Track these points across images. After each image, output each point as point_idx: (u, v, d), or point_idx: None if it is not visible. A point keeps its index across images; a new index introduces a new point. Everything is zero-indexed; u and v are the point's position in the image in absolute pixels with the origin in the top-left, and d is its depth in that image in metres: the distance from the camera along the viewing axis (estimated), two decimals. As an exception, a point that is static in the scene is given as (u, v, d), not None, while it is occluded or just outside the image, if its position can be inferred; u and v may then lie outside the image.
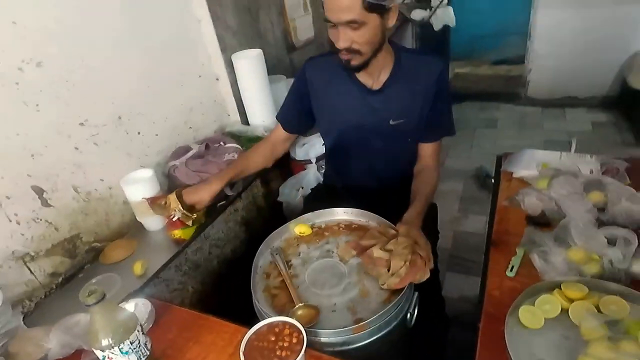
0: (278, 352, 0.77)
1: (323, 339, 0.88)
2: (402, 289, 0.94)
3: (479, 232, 2.42)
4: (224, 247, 1.59)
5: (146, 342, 0.74)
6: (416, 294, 1.00)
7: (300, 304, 0.94)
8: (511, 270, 0.94)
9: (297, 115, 1.37)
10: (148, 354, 0.74)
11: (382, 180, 1.35)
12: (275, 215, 1.92)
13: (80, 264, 1.24)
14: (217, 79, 1.82)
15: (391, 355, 0.98)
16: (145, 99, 1.45)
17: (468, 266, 2.17)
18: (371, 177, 1.36)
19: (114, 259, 1.24)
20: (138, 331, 0.72)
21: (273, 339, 0.80)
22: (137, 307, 0.98)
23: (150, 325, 0.96)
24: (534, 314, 0.80)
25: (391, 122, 1.23)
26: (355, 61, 1.10)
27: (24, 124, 1.08)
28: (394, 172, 1.34)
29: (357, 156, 1.34)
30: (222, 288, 1.49)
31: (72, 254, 1.22)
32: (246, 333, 0.82)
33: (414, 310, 0.97)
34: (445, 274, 2.12)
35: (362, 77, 1.21)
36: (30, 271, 1.11)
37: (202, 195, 1.25)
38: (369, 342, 0.89)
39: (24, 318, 1.03)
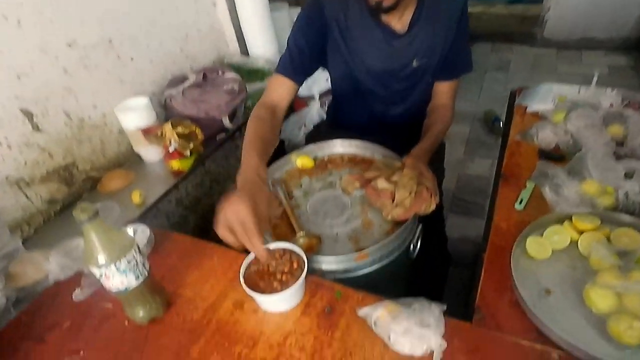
0: (278, 277, 0.76)
1: (324, 266, 0.87)
2: (406, 220, 0.91)
3: (484, 175, 2.38)
4: (225, 183, 1.56)
5: (144, 262, 0.73)
6: (420, 225, 0.98)
7: (302, 233, 0.93)
8: (520, 203, 0.91)
9: (308, 60, 1.13)
10: (146, 274, 0.73)
11: (395, 123, 1.28)
12: (277, 153, 1.87)
13: (78, 193, 1.22)
14: (214, 4, 1.69)
15: (392, 284, 0.98)
16: (136, 21, 1.35)
17: (470, 208, 2.16)
18: (384, 120, 1.28)
19: (112, 189, 1.22)
20: (135, 250, 0.70)
21: (274, 263, 0.79)
22: (136, 233, 0.96)
23: (149, 251, 0.95)
24: (541, 244, 0.78)
25: (414, 64, 1.14)
26: (388, 1, 0.98)
27: (5, 40, 1.00)
28: (408, 115, 1.26)
29: (372, 100, 1.25)
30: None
31: (68, 182, 1.19)
32: (246, 257, 0.81)
33: (417, 242, 0.95)
34: (447, 215, 2.11)
35: (387, 18, 1.09)
36: (27, 197, 1.09)
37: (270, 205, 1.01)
38: (370, 271, 0.88)
39: (23, 242, 1.03)
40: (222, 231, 0.76)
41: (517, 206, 0.91)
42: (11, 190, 1.05)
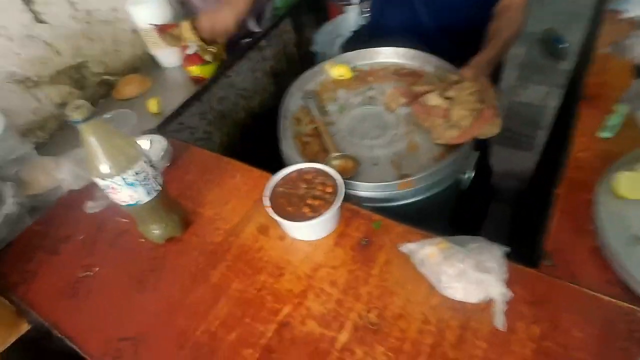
0: (309, 202, 0.65)
1: (361, 193, 0.75)
2: (461, 145, 0.77)
3: (537, 104, 2.13)
4: (251, 99, 1.42)
5: (156, 176, 0.63)
6: (477, 153, 0.83)
7: (337, 154, 0.80)
8: (606, 130, 0.74)
9: None
10: (159, 189, 0.64)
11: (452, 26, 1.06)
12: (308, 67, 1.69)
13: (92, 98, 1.11)
14: None
15: (434, 218, 0.86)
16: None
17: (518, 140, 1.96)
18: (438, 24, 1.06)
19: (128, 95, 1.11)
20: (145, 162, 0.60)
21: (304, 186, 0.68)
22: (152, 144, 0.86)
23: (168, 164, 0.86)
24: (636, 181, 0.62)
25: None
26: None
27: None
28: (468, 17, 1.03)
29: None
30: (249, 140, 1.37)
31: (81, 85, 1.08)
32: (272, 177, 0.70)
33: (471, 171, 0.81)
34: (492, 146, 1.93)
35: None
36: (36, 99, 0.99)
37: (226, 18, 1.02)
38: (412, 202, 0.77)
39: (37, 148, 0.95)
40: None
41: (602, 134, 0.74)
42: (18, 89, 0.95)
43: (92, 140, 0.54)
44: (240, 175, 0.81)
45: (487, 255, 0.56)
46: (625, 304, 0.53)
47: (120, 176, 0.57)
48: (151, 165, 0.62)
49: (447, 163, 0.74)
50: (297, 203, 0.65)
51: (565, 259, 0.59)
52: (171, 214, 0.69)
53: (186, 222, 0.74)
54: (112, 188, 0.59)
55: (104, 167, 0.56)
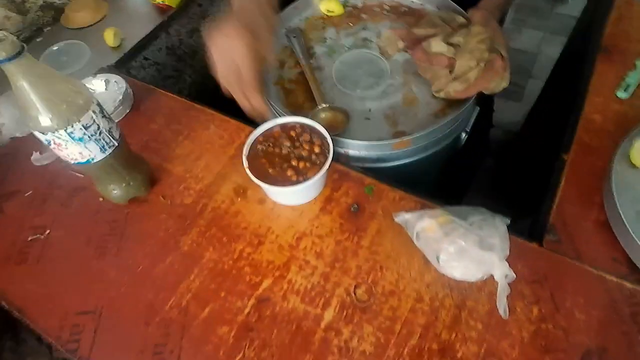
0: (293, 163, 0.57)
1: (352, 152, 0.67)
2: (466, 99, 0.68)
3: (530, 51, 2.03)
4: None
5: (111, 128, 0.53)
6: (477, 109, 0.75)
7: (324, 105, 0.70)
8: (625, 90, 0.67)
9: None
10: (116, 144, 0.54)
11: None
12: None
13: (36, 24, 0.95)
14: None
15: (426, 177, 0.80)
16: None
17: (510, 90, 1.88)
18: None
19: (79, 23, 0.94)
20: (96, 112, 0.49)
21: (288, 144, 0.59)
22: (109, 86, 0.74)
23: (128, 111, 0.74)
24: (654, 151, 0.57)
25: None
26: None
27: None
28: None
29: None
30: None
31: (21, 10, 0.91)
32: (252, 133, 0.60)
33: (471, 129, 0.74)
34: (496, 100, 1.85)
35: None
36: (-36, 24, 0.82)
37: None
38: (407, 162, 0.69)
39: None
40: (222, 78, 0.61)
41: (620, 94, 0.67)
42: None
43: (22, 85, 0.43)
44: (214, 126, 0.71)
45: (490, 230, 0.50)
46: (631, 286, 0.50)
47: (64, 130, 0.47)
48: (104, 117, 0.52)
49: (448, 120, 0.66)
50: (279, 164, 0.57)
51: (569, 233, 0.55)
52: (133, 172, 0.60)
53: (151, 179, 0.64)
54: (57, 144, 0.49)
55: (43, 119, 0.46)
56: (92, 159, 0.52)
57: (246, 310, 0.52)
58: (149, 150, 0.69)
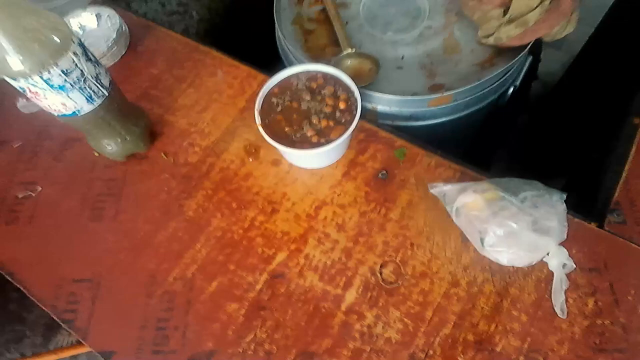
0: (315, 121, 0.49)
1: (380, 108, 0.58)
2: (520, 48, 0.57)
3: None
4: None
5: (99, 75, 0.44)
6: (530, 59, 0.64)
7: (350, 51, 0.60)
8: None
9: None
10: (105, 94, 0.45)
11: None
12: None
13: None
14: None
15: (461, 138, 0.71)
16: None
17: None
18: None
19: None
20: (77, 54, 0.41)
21: (308, 98, 0.50)
22: (101, 22, 0.64)
23: (124, 52, 0.65)
24: None
25: None
26: None
27: None
28: None
29: None
30: (236, 20, 1.12)
31: None
32: (266, 82, 0.51)
33: (519, 82, 0.64)
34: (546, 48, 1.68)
35: None
36: None
37: None
38: (442, 121, 0.60)
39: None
40: None
41: None
42: None
43: (-20, 16, 0.34)
44: (222, 72, 0.62)
45: (546, 210, 0.42)
46: None
47: (38, 76, 0.39)
48: (90, 60, 0.43)
49: (496, 73, 0.56)
50: (298, 122, 0.49)
51: (637, 213, 0.47)
52: (129, 125, 0.52)
53: (151, 133, 0.57)
54: (34, 93, 0.41)
55: (13, 61, 0.37)
56: (79, 111, 0.44)
57: (258, 287, 0.47)
58: (148, 99, 0.60)
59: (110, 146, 0.52)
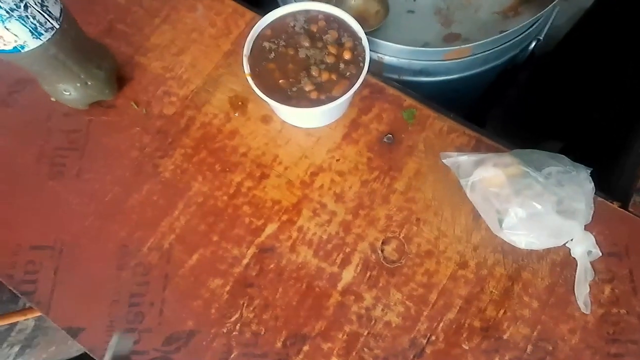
0: (314, 73, 0.41)
1: (387, 59, 0.50)
2: (553, -5, 0.50)
3: None
4: None
5: (45, 1, 0.35)
6: (557, 9, 0.57)
7: (356, -13, 0.51)
8: None
9: None
10: (56, 26, 0.36)
11: None
12: None
13: None
14: None
15: (471, 96, 0.65)
16: None
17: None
18: None
19: None
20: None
21: (307, 44, 0.42)
22: None
23: (83, -26, 0.54)
24: None
25: None
26: None
27: None
28: None
29: None
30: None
31: None
32: (257, 22, 0.43)
33: (542, 34, 0.56)
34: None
35: None
36: None
37: None
38: (455, 78, 0.53)
39: None
40: None
41: None
42: None
43: None
44: (203, 6, 0.52)
45: (573, 189, 0.37)
46: None
47: (-41, -2, 0.29)
48: (31, -20, 0.33)
49: (523, 24, 0.49)
50: (294, 73, 0.41)
51: (663, 194, 0.43)
52: (90, 67, 0.43)
53: (119, 78, 0.48)
54: (-42, 21, 0.31)
55: None
56: (22, 47, 0.35)
57: (244, 261, 0.42)
58: (115, 35, 0.51)
59: (69, 92, 0.43)
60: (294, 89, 0.40)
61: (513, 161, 0.38)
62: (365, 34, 0.44)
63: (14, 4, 0.32)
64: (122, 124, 0.47)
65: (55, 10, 0.36)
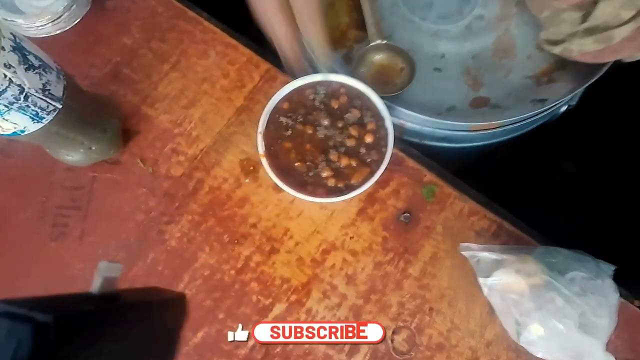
0: (333, 158, 0.38)
1: (409, 125, 0.47)
2: (594, 67, 0.46)
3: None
4: None
5: (47, 84, 0.32)
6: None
7: (380, 42, 0.48)
8: None
9: None
10: (58, 107, 0.33)
11: None
12: None
13: None
14: None
15: (489, 164, 0.62)
16: None
17: None
18: None
19: None
20: (8, 66, 0.28)
21: (326, 123, 0.39)
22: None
23: (85, 12, 0.50)
24: None
25: None
26: None
27: None
28: None
29: None
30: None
31: None
32: (274, 94, 0.40)
33: (578, 103, 0.53)
34: None
35: None
36: None
37: None
38: (480, 145, 0.50)
39: None
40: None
41: None
42: None
43: None
44: (215, 53, 0.49)
45: (597, 300, 0.36)
46: None
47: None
48: (31, 67, 0.30)
49: (559, 96, 0.46)
50: (312, 155, 0.38)
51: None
52: (94, 133, 0.40)
53: (124, 131, 0.46)
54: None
55: None
56: (22, 131, 0.33)
57: (250, 343, 0.41)
58: (120, 80, 0.48)
59: (71, 156, 0.41)
60: (311, 173, 0.38)
61: (536, 269, 0.36)
62: (389, 97, 0.41)
63: (13, 98, 0.29)
64: (127, 183, 0.45)
65: (58, 91, 0.33)
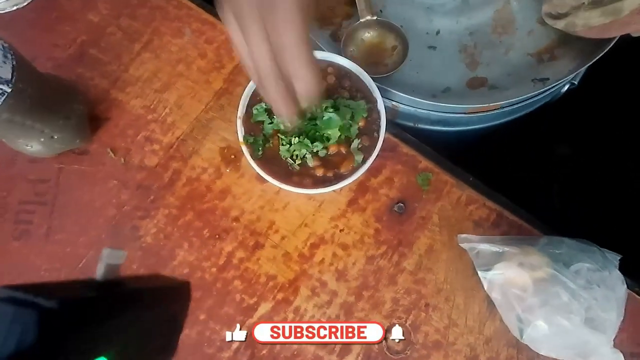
0: (318, 146, 0.35)
1: (403, 107, 0.44)
2: (599, 42, 0.43)
3: None
4: None
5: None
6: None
7: (370, 18, 0.44)
8: None
9: None
10: (7, 90, 0.30)
11: None
12: None
13: None
14: None
15: (487, 147, 0.58)
16: None
17: None
18: None
19: None
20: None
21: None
22: None
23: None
24: None
25: None
26: None
27: None
28: None
29: None
30: None
31: None
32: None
33: (580, 82, 0.50)
34: None
35: None
36: None
37: None
38: (480, 128, 0.47)
39: None
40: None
41: None
42: None
43: None
44: (191, 31, 0.45)
45: (603, 294, 0.34)
46: None
47: None
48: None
49: (560, 76, 0.42)
50: (298, 143, 0.35)
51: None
52: (56, 120, 0.36)
53: (92, 117, 0.42)
54: None
55: None
56: (-34, 119, 0.29)
57: (234, 346, 0.38)
58: (87, 61, 0.44)
59: (31, 146, 0.37)
60: (298, 162, 0.35)
61: (541, 262, 0.34)
62: (380, 79, 0.38)
63: (-53, 80, 0.25)
64: (97, 175, 0.41)
65: (5, 72, 0.29)
